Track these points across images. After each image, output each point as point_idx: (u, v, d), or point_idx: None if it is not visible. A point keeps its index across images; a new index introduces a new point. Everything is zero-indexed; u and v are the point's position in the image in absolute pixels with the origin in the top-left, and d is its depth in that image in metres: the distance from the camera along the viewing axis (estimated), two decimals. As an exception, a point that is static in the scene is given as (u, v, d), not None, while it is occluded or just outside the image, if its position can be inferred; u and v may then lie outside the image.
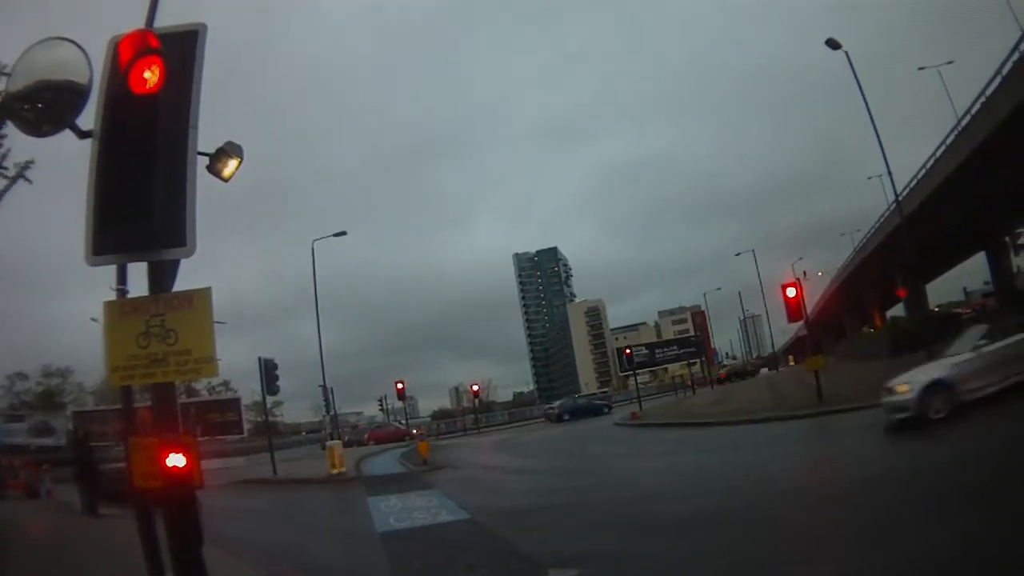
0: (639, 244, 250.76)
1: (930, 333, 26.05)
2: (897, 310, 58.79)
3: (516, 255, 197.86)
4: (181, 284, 5.42)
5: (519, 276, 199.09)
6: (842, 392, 23.46)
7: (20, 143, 9.75)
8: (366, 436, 54.02)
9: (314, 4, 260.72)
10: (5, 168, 10.35)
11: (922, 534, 6.88)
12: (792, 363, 75.45)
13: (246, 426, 41.22)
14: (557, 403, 59.95)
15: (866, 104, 26.06)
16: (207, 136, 5.60)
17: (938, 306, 58.05)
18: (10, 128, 9.87)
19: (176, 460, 4.80)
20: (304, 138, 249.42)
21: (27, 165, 10.58)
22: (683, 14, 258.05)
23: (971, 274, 67.35)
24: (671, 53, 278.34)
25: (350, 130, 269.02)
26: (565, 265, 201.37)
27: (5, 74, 7.82)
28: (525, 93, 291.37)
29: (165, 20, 5.74)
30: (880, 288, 56.35)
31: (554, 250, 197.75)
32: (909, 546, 6.60)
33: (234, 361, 39.10)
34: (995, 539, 6.25)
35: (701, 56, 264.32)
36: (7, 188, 10.48)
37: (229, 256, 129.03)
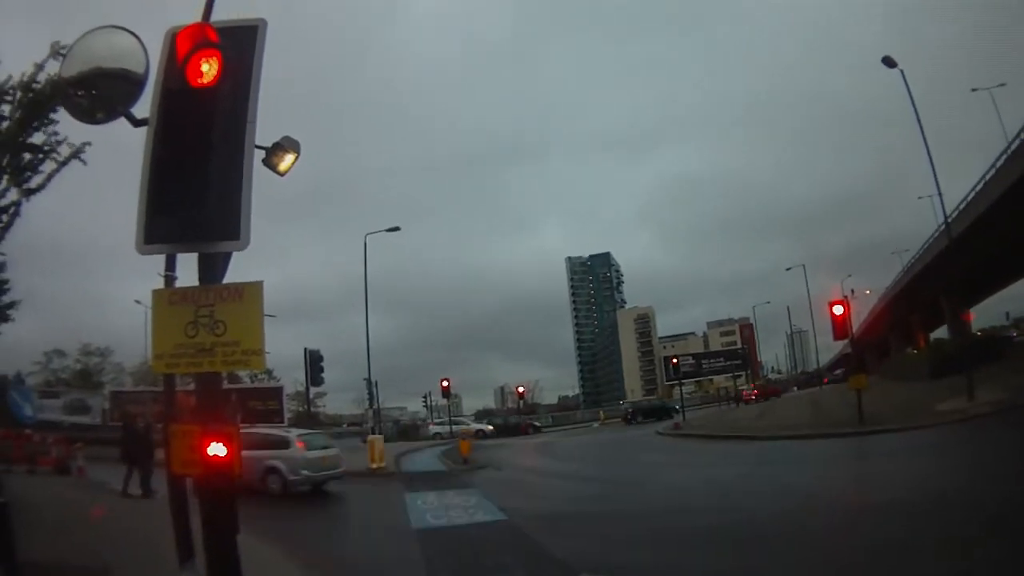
0: (692, 256, 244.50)
1: (971, 357, 25.26)
2: (941, 332, 57.33)
3: (569, 259, 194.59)
4: (233, 271, 5.32)
5: (571, 280, 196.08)
6: (883, 412, 23.13)
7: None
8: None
9: (392, 8, 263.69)
10: (58, 154, 10.55)
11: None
12: (825, 381, 73.14)
13: (287, 415, 41.49)
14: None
15: (919, 122, 25.45)
16: (270, 128, 5.54)
17: (980, 330, 56.40)
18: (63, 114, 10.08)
19: (217, 449, 4.78)
20: (371, 137, 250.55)
21: (82, 147, 10.73)
22: (752, 37, 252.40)
23: (1015, 299, 66.20)
24: (736, 75, 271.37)
25: (417, 131, 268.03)
26: (617, 271, 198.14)
27: (62, 54, 7.90)
28: (594, 103, 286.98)
29: (224, 13, 5.73)
30: (925, 309, 54.92)
31: (607, 255, 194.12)
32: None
33: (281, 351, 39.50)
34: None
35: (765, 78, 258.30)
36: (58, 170, 10.66)
37: (286, 246, 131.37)
